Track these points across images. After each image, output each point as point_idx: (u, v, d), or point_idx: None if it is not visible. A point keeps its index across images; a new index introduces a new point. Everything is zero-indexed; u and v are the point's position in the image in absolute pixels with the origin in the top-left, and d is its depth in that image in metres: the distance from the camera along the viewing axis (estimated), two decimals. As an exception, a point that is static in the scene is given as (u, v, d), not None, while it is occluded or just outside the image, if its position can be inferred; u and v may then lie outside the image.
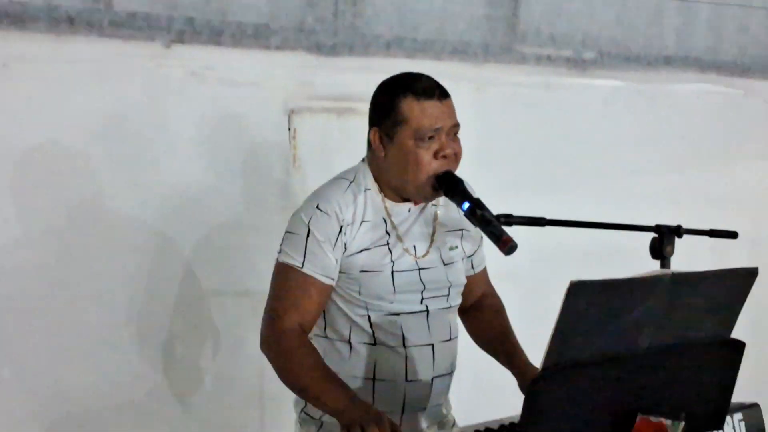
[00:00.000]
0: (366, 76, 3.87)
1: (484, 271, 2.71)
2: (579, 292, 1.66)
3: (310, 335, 2.45)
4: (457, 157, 2.34)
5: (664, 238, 2.52)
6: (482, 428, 2.24)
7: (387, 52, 3.83)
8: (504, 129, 4.19)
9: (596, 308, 1.72)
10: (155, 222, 3.36)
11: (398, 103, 2.30)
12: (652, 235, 2.54)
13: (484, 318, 2.68)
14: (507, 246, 2.20)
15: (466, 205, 2.28)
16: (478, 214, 2.26)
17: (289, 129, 3.63)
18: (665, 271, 2.29)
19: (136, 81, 3.30)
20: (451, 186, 2.32)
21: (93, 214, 3.25)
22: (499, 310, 2.70)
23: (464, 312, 2.67)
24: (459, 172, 2.38)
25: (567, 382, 1.73)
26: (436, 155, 2.29)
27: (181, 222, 3.40)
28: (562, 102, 4.38)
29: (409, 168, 2.30)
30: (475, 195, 2.31)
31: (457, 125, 2.33)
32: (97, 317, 3.26)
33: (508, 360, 2.54)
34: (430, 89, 2.30)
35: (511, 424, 2.26)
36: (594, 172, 4.42)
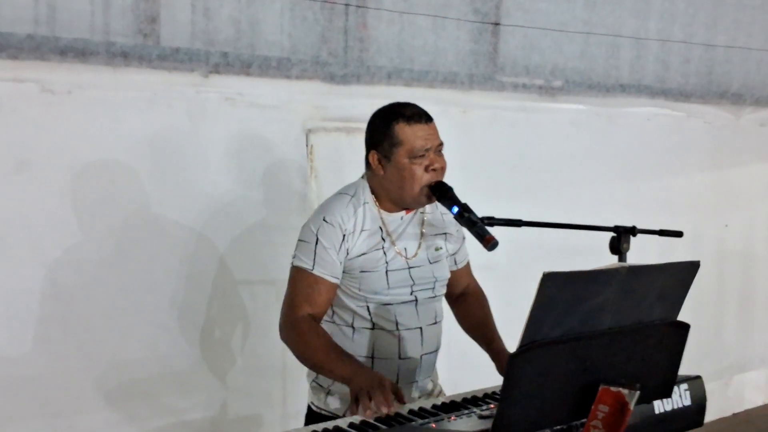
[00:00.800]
0: (371, 101, 3.86)
1: (467, 266, 2.71)
2: (550, 282, 1.67)
3: (321, 322, 2.46)
4: (443, 169, 2.36)
5: (621, 237, 2.51)
6: (469, 396, 2.24)
7: (388, 81, 3.82)
8: (486, 145, 4.19)
9: (564, 295, 1.72)
10: (194, 224, 3.34)
11: (393, 128, 2.32)
12: (611, 234, 2.53)
13: (468, 308, 2.69)
14: (489, 243, 2.20)
15: (456, 209, 2.28)
16: (465, 216, 2.27)
17: (306, 145, 3.62)
18: (622, 264, 2.29)
19: (179, 105, 3.29)
20: (442, 193, 2.33)
21: (143, 218, 3.23)
22: (481, 301, 2.70)
23: (452, 302, 2.68)
24: (449, 181, 2.39)
25: (541, 357, 1.73)
26: (426, 169, 2.31)
27: (217, 224, 3.39)
28: (535, 123, 4.38)
29: (406, 182, 2.32)
30: (463, 201, 2.30)
31: (441, 144, 2.36)
32: (147, 303, 3.25)
33: (488, 346, 2.57)
34: (418, 115, 2.33)
35: (493, 393, 2.26)
36: (562, 182, 4.42)
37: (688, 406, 2.18)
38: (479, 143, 4.15)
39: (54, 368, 3.07)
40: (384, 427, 1.96)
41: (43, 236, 3.03)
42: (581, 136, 4.55)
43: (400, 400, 2.08)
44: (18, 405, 3.01)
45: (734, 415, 5.50)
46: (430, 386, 2.54)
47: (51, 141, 3.03)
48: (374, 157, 2.36)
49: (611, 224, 2.52)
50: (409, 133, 2.30)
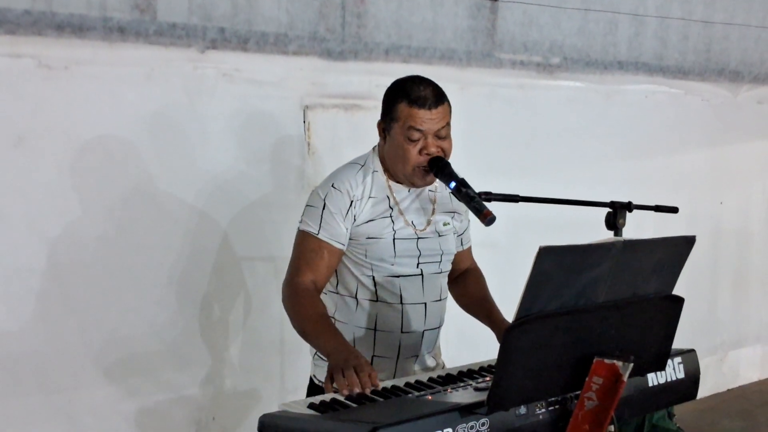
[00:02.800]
0: (368, 77, 3.90)
1: (470, 248, 2.73)
2: (547, 255, 1.68)
3: (325, 291, 2.47)
4: (446, 153, 2.35)
5: (617, 212, 2.52)
6: (465, 369, 2.26)
7: (386, 57, 3.81)
8: (484, 122, 4.19)
9: (561, 269, 1.73)
10: (193, 200, 3.35)
11: (395, 104, 2.32)
12: (607, 210, 2.54)
13: (467, 286, 2.69)
14: (487, 218, 2.21)
15: (453, 184, 2.29)
16: (462, 191, 2.27)
17: (304, 122, 3.62)
18: (618, 238, 2.30)
19: (176, 81, 3.28)
20: (440, 168, 2.33)
21: (141, 194, 3.23)
22: (478, 279, 2.71)
23: (451, 282, 2.68)
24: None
25: (536, 330, 1.74)
26: (420, 152, 2.31)
27: (215, 200, 3.40)
28: (533, 100, 4.38)
29: (399, 159, 2.34)
30: (460, 176, 2.31)
31: (443, 128, 2.33)
32: (146, 279, 3.26)
33: (487, 318, 2.56)
34: (423, 99, 2.29)
35: (489, 366, 2.27)
36: (560, 159, 4.43)
37: (682, 379, 2.20)
38: (477, 120, 4.14)
39: (53, 344, 3.09)
40: (381, 399, 1.98)
41: (42, 212, 3.04)
42: (579, 113, 4.56)
43: (373, 383, 2.03)
44: (17, 381, 3.03)
45: (729, 390, 5.54)
46: (431, 362, 2.54)
47: (48, 117, 3.03)
48: (380, 126, 2.40)
49: (608, 200, 2.53)
50: (407, 114, 2.29)
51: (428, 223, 2.44)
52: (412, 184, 2.39)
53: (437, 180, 2.41)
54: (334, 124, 3.67)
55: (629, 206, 2.53)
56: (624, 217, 2.54)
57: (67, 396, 3.12)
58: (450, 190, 2.31)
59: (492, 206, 2.27)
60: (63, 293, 3.09)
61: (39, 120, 3.02)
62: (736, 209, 5.46)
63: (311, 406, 1.93)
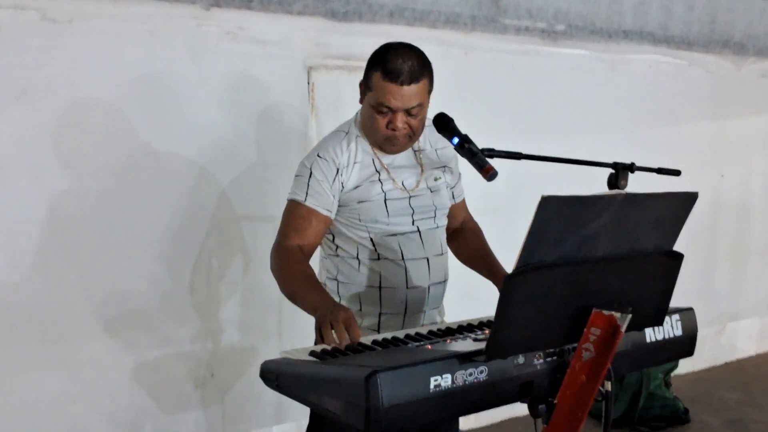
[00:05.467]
0: (372, 39, 3.84)
1: (463, 201, 2.74)
2: (548, 205, 1.67)
3: (325, 256, 2.50)
4: (414, 131, 2.34)
5: (619, 173, 2.51)
6: (464, 323, 2.28)
7: (390, 19, 3.80)
8: (487, 88, 4.19)
9: (561, 219, 1.73)
10: (195, 158, 3.36)
11: (372, 73, 2.30)
12: (609, 171, 2.54)
13: (466, 240, 2.70)
14: (489, 173, 2.20)
15: (456, 139, 2.28)
16: (465, 147, 2.27)
17: (308, 83, 3.62)
18: (619, 191, 2.31)
19: (179, 38, 3.28)
20: (443, 124, 2.33)
21: (143, 150, 3.25)
22: (477, 232, 2.73)
23: (449, 237, 2.69)
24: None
25: (536, 280, 1.74)
26: (388, 126, 2.31)
27: (217, 159, 3.41)
28: (536, 67, 4.37)
29: (368, 126, 2.36)
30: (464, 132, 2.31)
31: (413, 108, 2.29)
32: (147, 234, 3.29)
33: (488, 270, 2.57)
34: (396, 73, 2.24)
35: (489, 321, 2.29)
36: (562, 127, 4.43)
37: (680, 336, 2.21)
38: (480, 85, 4.15)
39: (53, 295, 3.11)
40: (379, 348, 2.00)
41: (43, 165, 3.05)
42: (582, 82, 4.55)
43: (353, 337, 2.03)
44: (18, 331, 3.06)
45: (726, 364, 5.58)
46: (437, 318, 2.56)
47: (51, 70, 3.04)
48: (361, 86, 2.38)
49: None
50: (379, 86, 2.27)
51: (417, 183, 2.45)
52: (382, 150, 2.40)
53: (420, 140, 2.45)
54: (337, 86, 3.67)
55: (631, 167, 2.52)
56: (626, 179, 2.53)
57: (67, 347, 3.15)
58: (453, 146, 2.30)
59: (494, 166, 2.27)
60: (64, 246, 3.11)
61: (42, 73, 3.02)
62: (736, 182, 5.47)
63: (312, 353, 1.95)
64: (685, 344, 2.24)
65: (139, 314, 3.30)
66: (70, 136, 3.09)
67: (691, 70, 5.06)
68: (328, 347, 1.99)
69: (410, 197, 2.42)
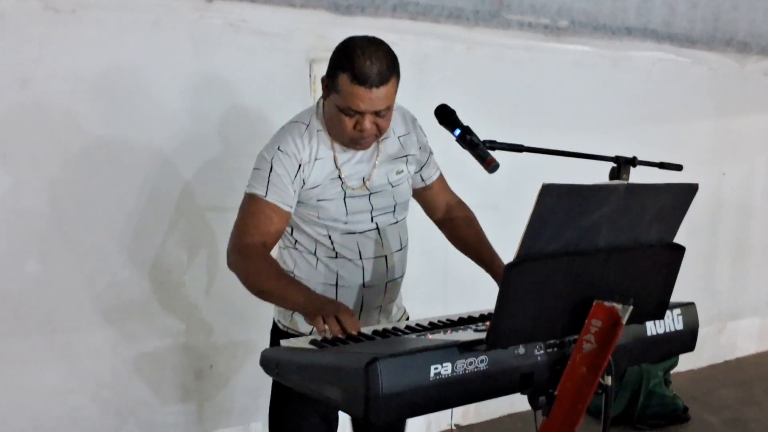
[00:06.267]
0: (375, 33, 3.83)
1: (440, 180, 2.63)
2: (550, 193, 1.66)
3: (284, 247, 2.44)
4: (381, 130, 2.25)
5: (621, 167, 2.51)
6: (465, 315, 2.27)
7: (393, 13, 3.79)
8: (490, 83, 4.19)
9: (562, 209, 1.72)
10: (198, 150, 3.35)
11: (338, 74, 2.16)
12: (611, 165, 2.53)
13: (459, 230, 2.64)
14: (491, 165, 2.20)
15: (458, 131, 2.27)
16: (467, 138, 2.26)
17: (310, 76, 3.61)
18: (621, 182, 2.30)
19: (182, 29, 3.28)
20: (445, 116, 2.32)
21: (147, 141, 3.25)
22: (470, 221, 2.65)
23: (439, 224, 2.66)
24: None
25: (536, 270, 1.73)
26: (355, 126, 2.21)
27: (221, 150, 3.41)
28: (539, 63, 4.37)
29: (335, 126, 2.25)
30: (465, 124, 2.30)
31: (381, 110, 2.20)
32: (144, 225, 3.28)
33: (488, 266, 2.54)
34: (365, 76, 2.12)
35: (489, 313, 2.28)
36: (564, 123, 4.42)
37: (681, 331, 2.20)
38: (482, 81, 4.14)
39: (54, 285, 3.12)
40: (379, 338, 2.00)
41: (45, 154, 3.05)
42: (585, 78, 4.55)
43: (351, 328, 2.03)
44: (17, 320, 3.06)
45: (726, 362, 5.57)
46: (393, 310, 2.54)
47: (54, 60, 3.03)
48: (324, 82, 2.27)
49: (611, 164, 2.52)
50: (347, 89, 2.14)
51: (377, 177, 2.37)
52: (348, 149, 2.32)
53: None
54: (339, 79, 3.66)
55: (633, 161, 2.52)
56: (628, 173, 2.53)
57: (66, 336, 3.15)
58: (455, 138, 2.29)
59: (495, 158, 2.26)
60: (65, 234, 3.11)
61: (44, 62, 3.02)
62: (738, 181, 5.46)
63: (312, 342, 1.95)
64: (686, 339, 2.23)
65: (139, 305, 3.30)
66: (72, 126, 3.08)
67: (694, 68, 5.06)
68: (328, 335, 1.99)
69: (370, 194, 2.35)
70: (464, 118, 2.34)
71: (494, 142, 2.31)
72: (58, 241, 3.10)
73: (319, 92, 3.58)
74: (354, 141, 2.26)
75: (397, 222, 2.44)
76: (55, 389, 3.16)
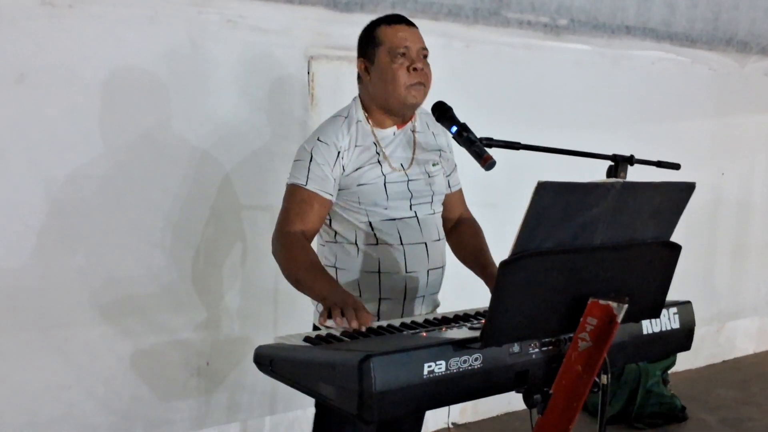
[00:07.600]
0: (374, 30, 3.87)
1: (460, 192, 2.72)
2: (545, 191, 1.65)
3: (323, 243, 2.49)
4: (427, 77, 2.40)
5: (618, 165, 2.50)
6: (460, 313, 2.26)
7: (392, 11, 3.75)
8: (489, 81, 4.18)
9: (558, 206, 1.71)
10: (195, 145, 3.35)
11: (375, 31, 2.41)
12: (609, 163, 2.53)
13: (463, 237, 2.68)
14: (487, 162, 2.20)
15: (455, 128, 2.28)
16: (464, 135, 2.27)
17: (308, 73, 3.61)
18: (617, 180, 2.30)
19: (180, 25, 3.27)
20: (442, 112, 2.33)
21: (143, 137, 3.24)
22: (475, 230, 2.70)
23: (447, 232, 2.69)
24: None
25: (531, 267, 1.73)
26: (408, 69, 2.35)
27: (217, 148, 3.40)
28: (538, 61, 4.36)
29: (389, 84, 2.36)
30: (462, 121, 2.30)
31: (425, 48, 2.40)
32: (145, 221, 3.28)
33: (482, 271, 2.56)
34: (399, 18, 2.42)
35: (485, 311, 2.27)
36: (563, 122, 4.41)
37: (677, 329, 2.19)
38: (481, 79, 4.14)
39: (51, 281, 3.11)
40: (374, 336, 1.99)
41: (42, 150, 3.04)
42: (584, 77, 4.54)
43: (364, 322, 2.05)
44: (14, 317, 3.05)
45: (724, 362, 5.57)
46: (437, 301, 2.57)
47: (50, 55, 3.03)
48: (361, 64, 2.44)
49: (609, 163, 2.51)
50: (389, 32, 2.37)
51: (412, 161, 2.46)
52: (404, 106, 2.40)
53: (417, 120, 2.48)
54: (337, 76, 3.66)
55: (631, 160, 2.52)
56: (625, 171, 2.52)
57: (63, 332, 3.14)
58: (451, 135, 2.30)
59: (492, 155, 2.25)
60: (61, 231, 3.10)
61: (41, 58, 3.01)
62: (737, 181, 5.45)
63: (306, 339, 1.94)
64: (682, 338, 2.23)
65: (136, 301, 3.29)
66: (68, 122, 3.08)
67: (693, 67, 5.05)
68: (330, 332, 1.99)
69: (408, 180, 2.42)
70: (462, 116, 2.35)
71: (491, 139, 2.31)
72: (54, 236, 3.09)
73: (318, 90, 3.65)
74: (412, 87, 2.36)
75: (434, 213, 2.51)
76: (51, 385, 3.15)
